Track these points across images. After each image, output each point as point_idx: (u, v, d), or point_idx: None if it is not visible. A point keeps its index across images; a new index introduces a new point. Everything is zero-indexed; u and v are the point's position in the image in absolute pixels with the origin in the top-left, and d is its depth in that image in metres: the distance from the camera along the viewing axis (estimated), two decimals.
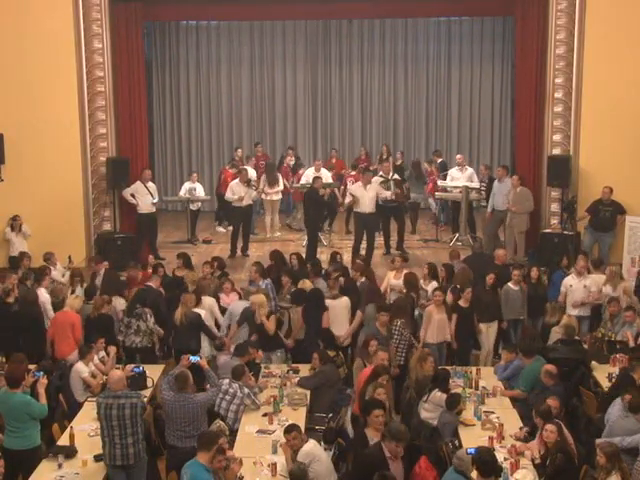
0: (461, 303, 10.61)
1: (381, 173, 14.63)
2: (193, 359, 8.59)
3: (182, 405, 7.86)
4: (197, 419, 7.90)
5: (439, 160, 16.55)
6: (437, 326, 10.33)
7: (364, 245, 13.97)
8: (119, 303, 10.80)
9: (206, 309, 10.55)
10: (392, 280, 11.53)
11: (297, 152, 17.90)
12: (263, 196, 15.66)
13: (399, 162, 16.81)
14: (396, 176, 14.66)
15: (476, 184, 15.13)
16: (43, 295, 10.87)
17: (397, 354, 9.79)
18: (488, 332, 10.81)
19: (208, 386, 8.57)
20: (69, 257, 12.57)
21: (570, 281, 11.29)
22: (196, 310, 10.34)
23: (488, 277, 10.96)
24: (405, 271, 11.49)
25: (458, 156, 16.06)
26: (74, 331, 9.98)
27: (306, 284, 10.74)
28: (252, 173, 15.73)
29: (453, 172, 15.62)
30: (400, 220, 14.69)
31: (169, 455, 8.07)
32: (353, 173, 15.91)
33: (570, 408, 8.83)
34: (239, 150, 17.13)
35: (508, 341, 10.84)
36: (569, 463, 7.30)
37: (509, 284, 11.06)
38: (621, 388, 8.34)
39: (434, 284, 11.11)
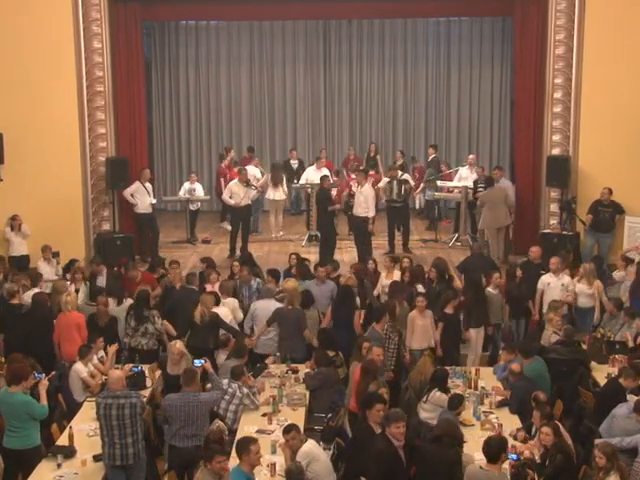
0: (447, 310, 10.32)
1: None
2: (197, 363, 8.59)
3: (186, 404, 7.84)
4: (199, 419, 7.88)
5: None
6: (420, 332, 10.15)
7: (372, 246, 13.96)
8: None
9: (230, 309, 10.57)
10: (384, 281, 11.48)
11: (297, 152, 17.89)
12: (267, 196, 15.69)
13: (400, 162, 16.82)
14: (405, 176, 14.69)
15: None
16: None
17: (387, 358, 9.51)
18: (477, 337, 10.61)
19: (209, 386, 8.58)
20: (57, 253, 12.54)
21: (547, 279, 11.23)
22: (216, 309, 10.30)
23: (495, 276, 10.92)
24: (396, 272, 11.50)
25: (471, 156, 16.00)
26: (80, 331, 9.91)
27: (289, 284, 10.64)
28: (255, 172, 15.78)
29: (463, 171, 15.61)
30: (405, 220, 14.68)
31: (169, 455, 8.06)
32: (354, 176, 15.76)
33: (576, 408, 8.93)
34: (232, 151, 17.11)
35: (495, 346, 10.80)
36: (568, 463, 7.31)
37: (489, 288, 10.85)
38: (610, 396, 8.41)
39: (420, 288, 11.00)
